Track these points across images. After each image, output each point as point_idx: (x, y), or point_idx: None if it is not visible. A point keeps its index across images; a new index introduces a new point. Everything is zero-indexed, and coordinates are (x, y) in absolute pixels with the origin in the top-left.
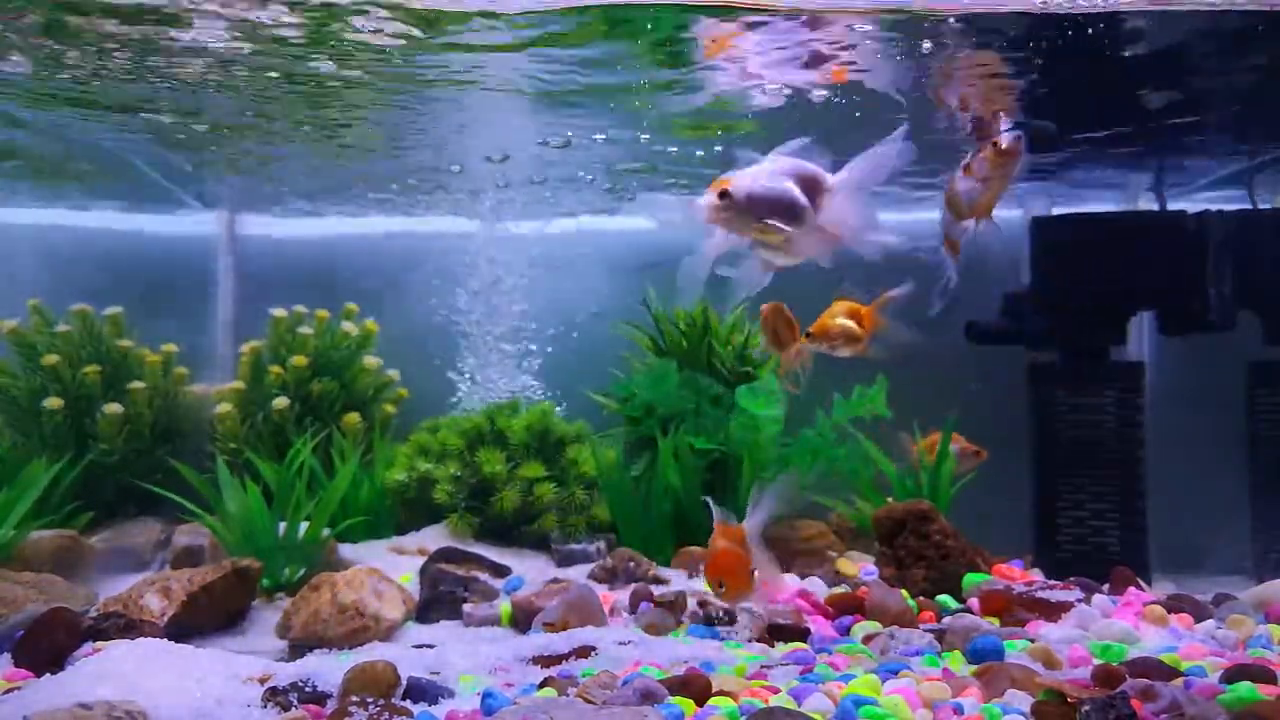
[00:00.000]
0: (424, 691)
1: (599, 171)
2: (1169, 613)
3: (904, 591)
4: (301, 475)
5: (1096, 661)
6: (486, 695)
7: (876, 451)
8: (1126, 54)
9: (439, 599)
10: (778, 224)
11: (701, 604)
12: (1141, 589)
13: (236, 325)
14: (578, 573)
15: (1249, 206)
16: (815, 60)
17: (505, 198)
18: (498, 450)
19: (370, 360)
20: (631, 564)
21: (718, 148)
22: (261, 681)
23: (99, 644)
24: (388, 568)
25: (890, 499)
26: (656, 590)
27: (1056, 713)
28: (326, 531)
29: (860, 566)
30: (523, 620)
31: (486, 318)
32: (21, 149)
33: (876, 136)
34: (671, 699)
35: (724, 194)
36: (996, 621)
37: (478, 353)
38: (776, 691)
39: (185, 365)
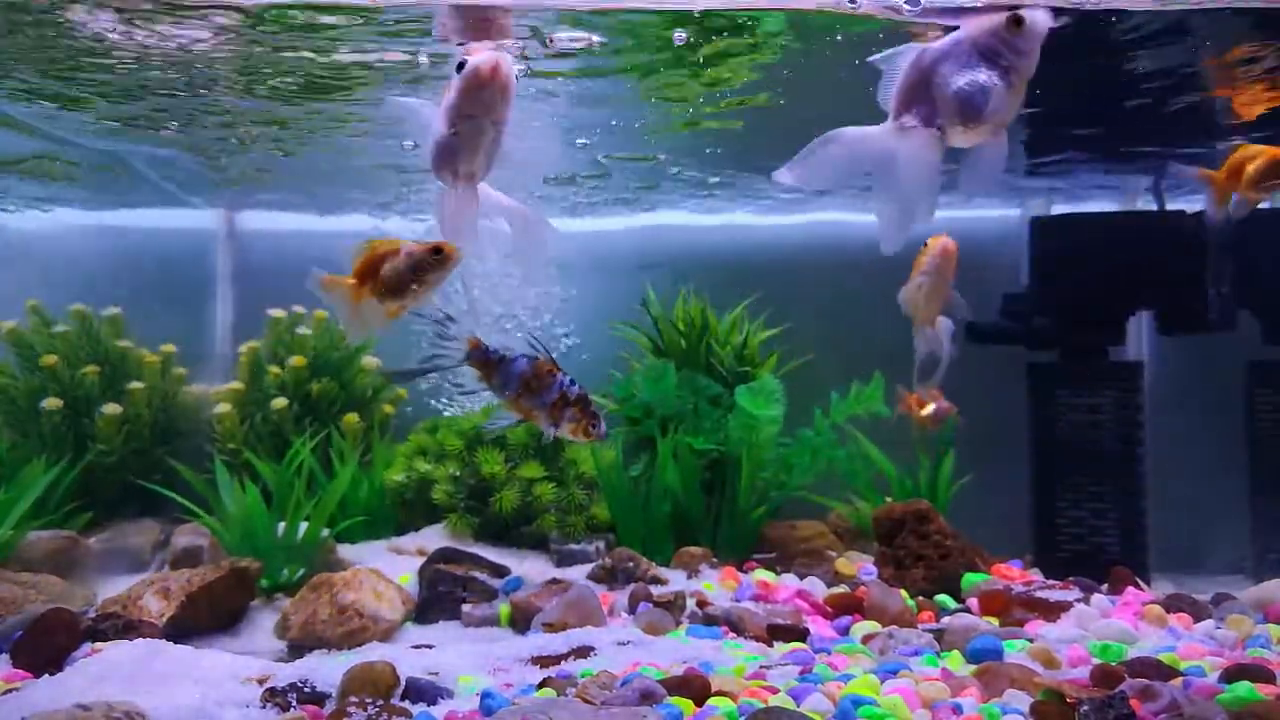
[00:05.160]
0: (423, 692)
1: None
2: (1168, 612)
3: (903, 591)
4: (300, 475)
5: (1095, 661)
6: (485, 696)
7: (875, 451)
8: (1127, 52)
9: (438, 599)
10: None
11: (700, 604)
12: (1140, 589)
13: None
14: (577, 573)
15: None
16: None
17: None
18: (496, 450)
19: (369, 360)
20: (630, 564)
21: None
22: (260, 682)
23: (98, 645)
24: (386, 568)
25: (889, 499)
26: (655, 590)
27: (1055, 712)
28: (325, 532)
29: (859, 566)
30: (522, 620)
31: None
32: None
33: None
34: (670, 699)
35: None
36: (995, 621)
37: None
38: (775, 691)
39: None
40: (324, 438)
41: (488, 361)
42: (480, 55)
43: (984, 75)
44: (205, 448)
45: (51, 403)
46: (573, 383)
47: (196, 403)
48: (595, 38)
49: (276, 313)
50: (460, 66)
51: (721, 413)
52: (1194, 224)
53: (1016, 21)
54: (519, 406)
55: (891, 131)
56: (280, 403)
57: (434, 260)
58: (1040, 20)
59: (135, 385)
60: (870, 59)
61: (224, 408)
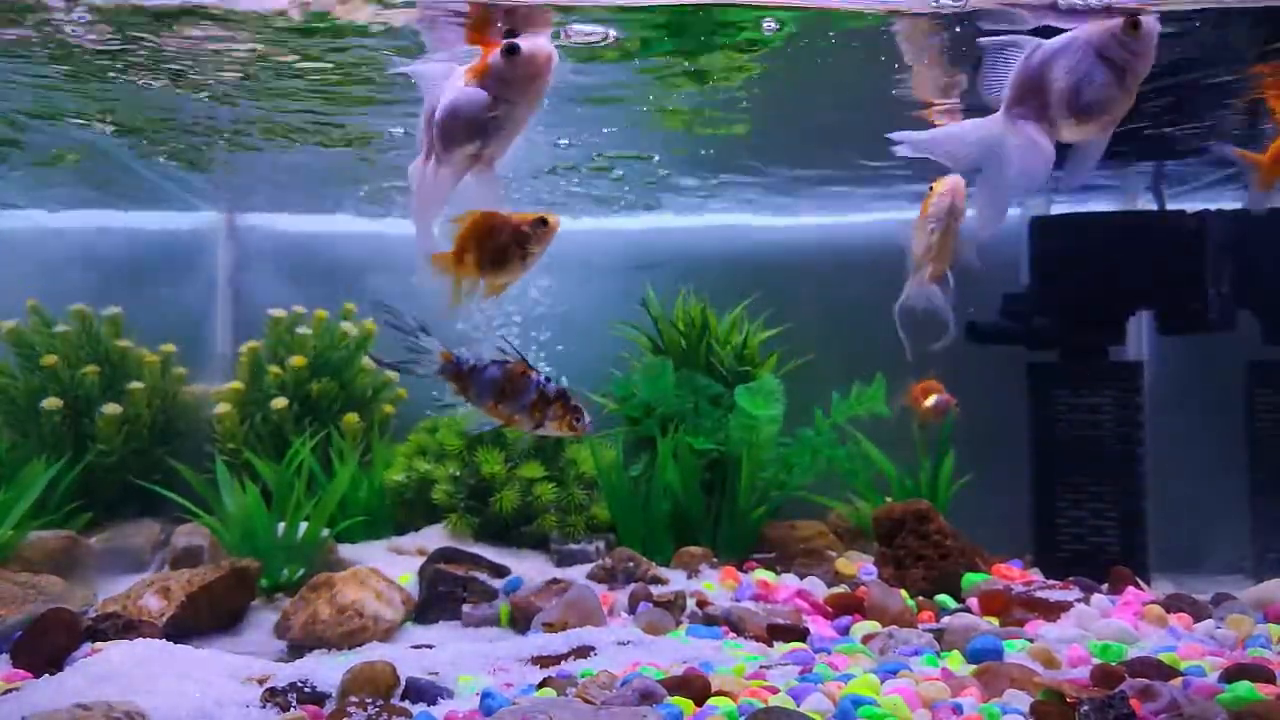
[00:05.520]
0: (423, 692)
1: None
2: (1168, 612)
3: (903, 591)
4: (300, 475)
5: (1095, 661)
6: (485, 695)
7: (876, 451)
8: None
9: (438, 599)
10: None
11: (700, 604)
12: (1140, 589)
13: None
14: (577, 573)
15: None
16: None
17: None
18: (496, 450)
19: (369, 360)
20: (630, 564)
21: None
22: (260, 682)
23: (98, 644)
24: (387, 568)
25: (889, 499)
26: (655, 590)
27: (1055, 712)
28: (325, 532)
29: (859, 566)
30: (522, 620)
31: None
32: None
33: None
34: (670, 699)
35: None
36: (995, 621)
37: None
38: (775, 691)
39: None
40: (324, 438)
41: (460, 374)
42: (535, 42)
43: (1099, 74)
44: (205, 448)
45: (51, 403)
46: (548, 380)
47: (196, 403)
48: (613, 33)
49: (276, 313)
50: (511, 50)
51: (721, 412)
52: (1194, 224)
53: (1134, 24)
54: (499, 413)
55: (1003, 122)
56: (280, 403)
57: (539, 231)
58: (1155, 24)
59: (135, 385)
60: (980, 40)
61: (224, 408)
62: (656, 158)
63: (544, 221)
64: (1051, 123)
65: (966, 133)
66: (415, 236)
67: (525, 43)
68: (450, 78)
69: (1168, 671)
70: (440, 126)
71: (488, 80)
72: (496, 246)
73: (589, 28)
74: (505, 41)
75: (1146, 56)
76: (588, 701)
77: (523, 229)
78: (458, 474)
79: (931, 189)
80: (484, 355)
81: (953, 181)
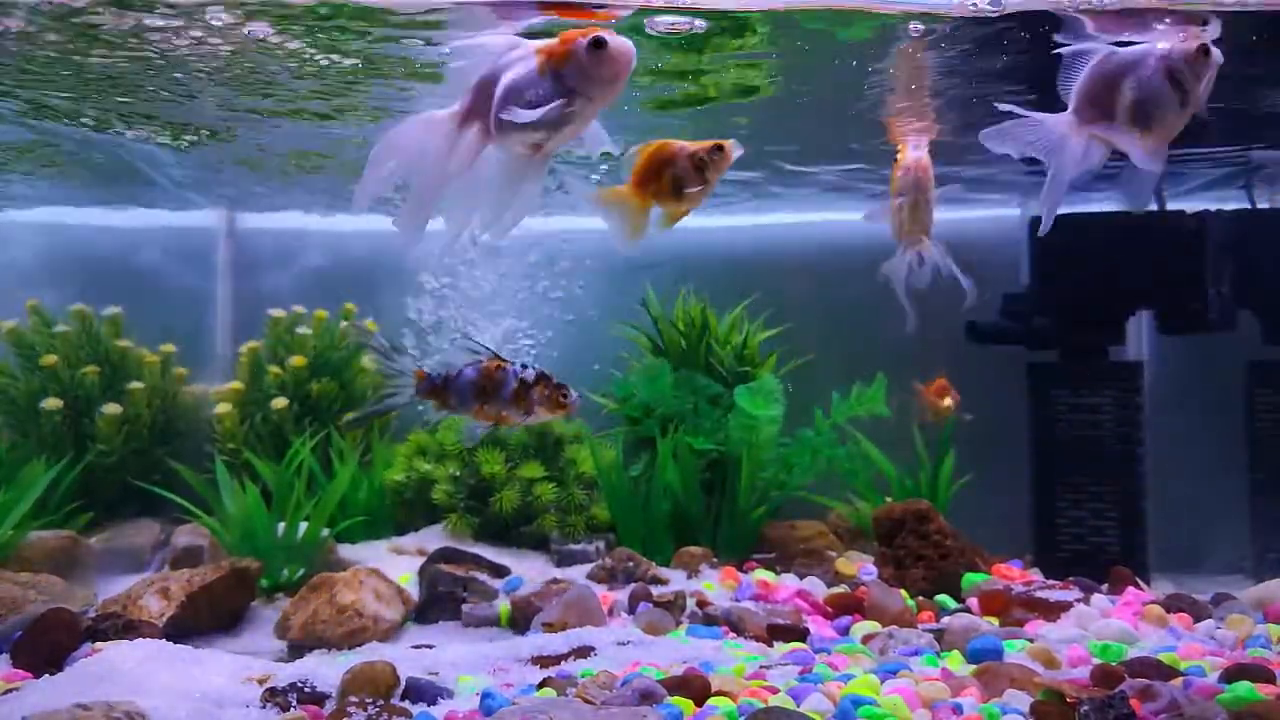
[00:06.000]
0: (423, 692)
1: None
2: (1168, 612)
3: (903, 591)
4: (300, 475)
5: (1095, 661)
6: (485, 695)
7: (876, 451)
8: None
9: (438, 599)
10: None
11: (700, 604)
12: (1140, 589)
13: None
14: (577, 573)
15: (1248, 206)
16: None
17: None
18: (496, 450)
19: (369, 360)
20: (630, 564)
21: None
22: (260, 682)
23: (98, 645)
24: (387, 568)
25: (889, 499)
26: (655, 590)
27: (1055, 712)
28: (325, 532)
29: (859, 566)
30: (522, 620)
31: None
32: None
33: None
34: (670, 699)
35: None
36: (995, 621)
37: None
38: (775, 691)
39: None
40: (324, 438)
41: (437, 388)
42: (620, 39)
43: (1166, 92)
44: (205, 448)
45: (51, 403)
46: (524, 366)
47: (196, 403)
48: (699, 22)
49: (276, 313)
50: (598, 44)
51: (721, 413)
52: (1194, 224)
53: (1205, 51)
54: (485, 414)
55: (1069, 122)
56: (280, 403)
57: (715, 158)
58: (1219, 53)
59: (135, 385)
60: (1056, 50)
61: (224, 408)
62: (633, 150)
63: (720, 148)
64: (1114, 132)
65: (1031, 124)
66: (419, 191)
67: (612, 38)
68: (516, 51)
69: (1168, 671)
70: (503, 107)
71: (567, 68)
72: (676, 175)
73: (673, 19)
74: (593, 34)
75: (1209, 82)
76: (588, 702)
77: (700, 156)
78: (458, 474)
79: (895, 161)
80: (454, 362)
81: (914, 155)
